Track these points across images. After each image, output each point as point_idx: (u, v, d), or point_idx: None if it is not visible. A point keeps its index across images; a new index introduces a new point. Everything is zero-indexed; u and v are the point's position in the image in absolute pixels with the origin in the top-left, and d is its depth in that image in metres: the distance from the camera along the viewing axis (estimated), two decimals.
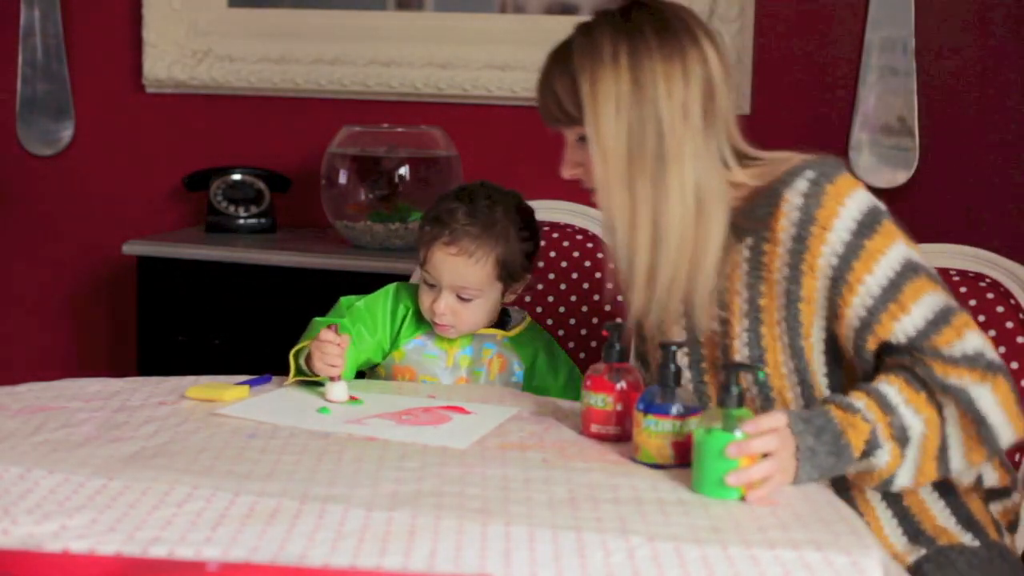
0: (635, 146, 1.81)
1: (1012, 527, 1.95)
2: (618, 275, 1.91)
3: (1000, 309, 2.12)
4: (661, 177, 1.81)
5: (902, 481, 1.76)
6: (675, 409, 1.70)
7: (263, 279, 3.12)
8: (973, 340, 1.77)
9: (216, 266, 3.15)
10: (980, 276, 2.14)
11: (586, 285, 2.53)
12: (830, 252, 1.79)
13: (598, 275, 2.53)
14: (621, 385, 1.81)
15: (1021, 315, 2.11)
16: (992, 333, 2.10)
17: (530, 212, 2.21)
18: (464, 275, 2.11)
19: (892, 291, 1.77)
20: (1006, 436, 1.77)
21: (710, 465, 1.60)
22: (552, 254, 2.55)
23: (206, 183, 3.39)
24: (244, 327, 3.14)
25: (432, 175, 3.17)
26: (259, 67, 3.44)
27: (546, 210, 2.59)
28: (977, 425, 1.76)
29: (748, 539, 1.46)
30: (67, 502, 1.51)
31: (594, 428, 1.83)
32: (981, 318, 2.11)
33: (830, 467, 1.71)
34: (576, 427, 1.87)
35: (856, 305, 1.78)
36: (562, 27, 3.16)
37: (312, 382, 2.04)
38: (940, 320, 1.77)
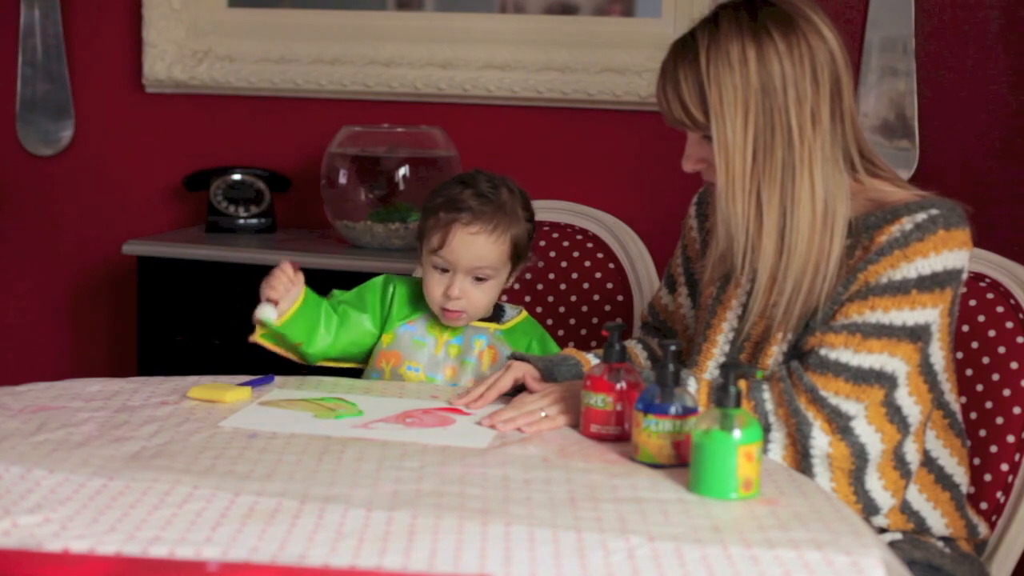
0: (763, 155, 1.81)
1: (981, 548, 1.98)
2: (711, 270, 1.95)
3: (1000, 309, 2.12)
4: (790, 185, 1.82)
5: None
6: (674, 409, 1.70)
7: (263, 279, 3.11)
8: (855, 408, 1.81)
9: (216, 266, 3.14)
10: (980, 276, 2.14)
11: (586, 285, 2.53)
12: (888, 276, 1.80)
13: (598, 275, 2.53)
14: (621, 385, 1.82)
15: (1021, 315, 2.11)
16: (992, 333, 2.10)
17: (525, 193, 2.23)
18: (485, 254, 2.12)
19: (875, 331, 1.80)
20: (825, 487, 1.82)
21: (709, 465, 1.60)
22: (552, 254, 2.55)
23: (206, 183, 3.39)
24: (244, 327, 3.13)
25: (432, 175, 3.17)
26: (259, 67, 3.44)
27: (546, 210, 2.59)
28: (800, 457, 1.81)
29: (748, 539, 1.46)
30: (67, 502, 1.52)
31: (594, 428, 1.83)
32: (981, 318, 2.11)
33: None
34: (576, 427, 1.87)
35: (850, 318, 1.81)
36: (562, 27, 3.15)
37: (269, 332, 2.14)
38: (860, 375, 1.80)
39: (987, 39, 3.03)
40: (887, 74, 3.07)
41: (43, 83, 3.58)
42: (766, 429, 1.83)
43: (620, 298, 2.52)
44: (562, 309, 2.53)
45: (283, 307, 2.12)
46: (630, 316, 2.51)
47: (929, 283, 1.80)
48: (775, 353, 1.89)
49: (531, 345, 2.21)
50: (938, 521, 1.91)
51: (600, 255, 2.55)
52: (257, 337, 2.16)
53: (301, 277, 2.15)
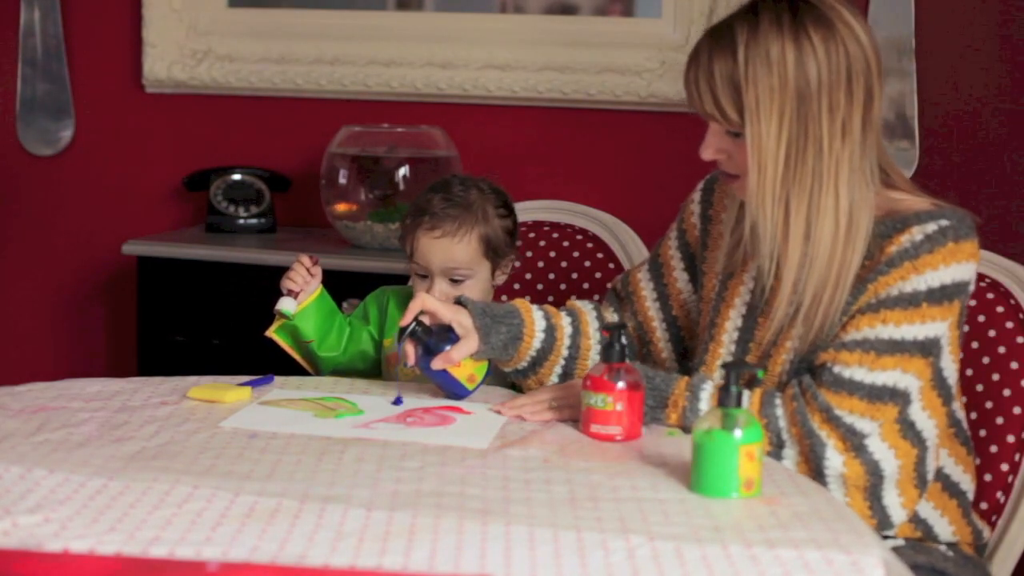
0: (794, 162, 1.81)
1: (983, 551, 1.97)
2: (724, 263, 1.97)
3: (1000, 309, 2.12)
4: (817, 194, 1.81)
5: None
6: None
7: (263, 279, 3.11)
8: (869, 426, 1.81)
9: (216, 266, 3.14)
10: (980, 276, 2.14)
11: (586, 285, 2.53)
12: (899, 288, 1.80)
13: (598, 275, 2.53)
14: (621, 385, 1.82)
15: (1021, 315, 2.11)
16: (992, 333, 2.10)
17: (504, 192, 2.25)
18: (452, 255, 2.15)
19: (888, 347, 1.80)
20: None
21: (711, 465, 1.60)
22: (552, 254, 2.55)
23: (206, 183, 3.39)
24: (244, 327, 3.13)
25: (432, 175, 3.17)
26: (259, 67, 3.44)
27: (546, 210, 2.59)
28: (813, 476, 1.81)
29: (748, 539, 1.46)
30: (67, 502, 1.52)
31: (594, 428, 1.83)
32: (981, 318, 2.11)
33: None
34: (576, 427, 1.87)
35: (861, 332, 1.80)
36: (562, 27, 3.15)
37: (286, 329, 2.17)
38: (874, 393, 1.80)
39: (987, 39, 3.02)
40: (887, 74, 3.06)
41: (43, 83, 3.58)
42: (778, 446, 1.82)
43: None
44: None
45: (300, 299, 2.16)
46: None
47: (938, 296, 1.79)
48: (784, 361, 1.89)
49: None
50: (945, 528, 1.91)
51: (600, 255, 2.55)
52: (272, 332, 2.19)
53: (319, 271, 2.19)
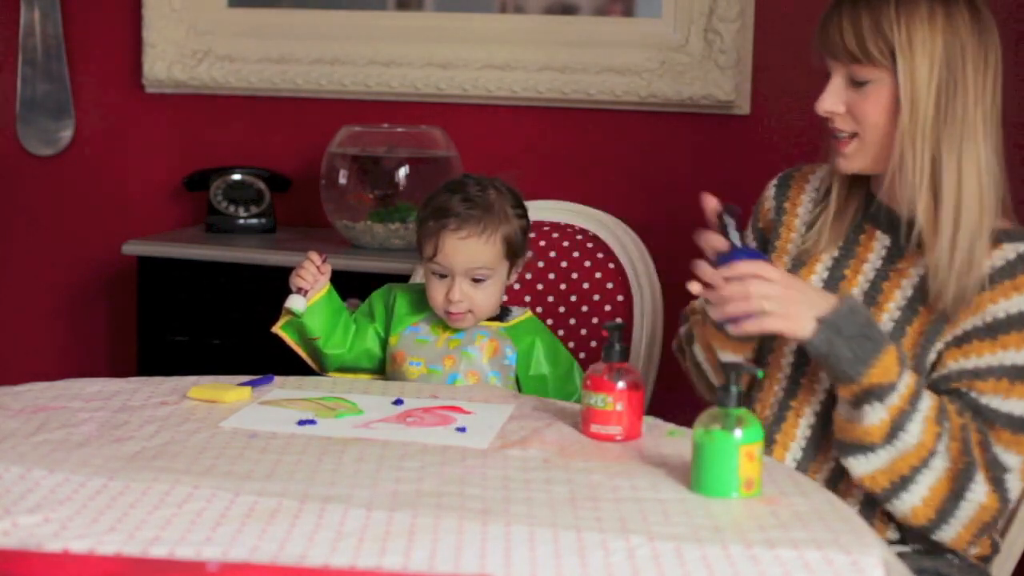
0: (944, 107, 1.82)
1: (986, 559, 1.97)
2: (828, 235, 1.95)
3: None
4: (964, 147, 1.81)
5: (860, 466, 1.80)
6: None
7: (263, 279, 3.11)
8: (1013, 460, 1.79)
9: (216, 266, 3.14)
10: None
11: (586, 285, 2.53)
12: (1004, 308, 1.80)
13: (598, 275, 2.53)
14: (621, 385, 1.82)
15: None
16: None
17: (517, 191, 2.26)
18: (477, 256, 2.16)
19: (1018, 374, 1.79)
20: (946, 534, 1.82)
21: (711, 465, 1.60)
22: (552, 254, 2.55)
23: (206, 183, 3.39)
24: (244, 327, 3.14)
25: (432, 175, 3.17)
26: (259, 67, 3.44)
27: (546, 210, 2.59)
28: (950, 496, 1.79)
29: (748, 539, 1.46)
30: (67, 502, 1.52)
31: (594, 428, 1.83)
32: None
33: (837, 358, 1.75)
34: (576, 427, 1.87)
35: (984, 359, 1.80)
36: (562, 27, 3.16)
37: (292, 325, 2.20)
38: (1015, 423, 1.79)
39: None
40: None
41: (43, 83, 3.58)
42: (931, 454, 1.79)
43: (620, 298, 2.52)
44: (562, 309, 2.53)
45: (308, 296, 2.19)
46: (630, 316, 2.51)
47: None
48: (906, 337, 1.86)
49: (535, 341, 2.22)
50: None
51: (600, 255, 2.55)
52: (279, 328, 2.22)
53: (328, 269, 2.21)
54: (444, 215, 2.17)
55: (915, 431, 1.77)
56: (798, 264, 1.99)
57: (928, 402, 1.79)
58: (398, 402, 1.98)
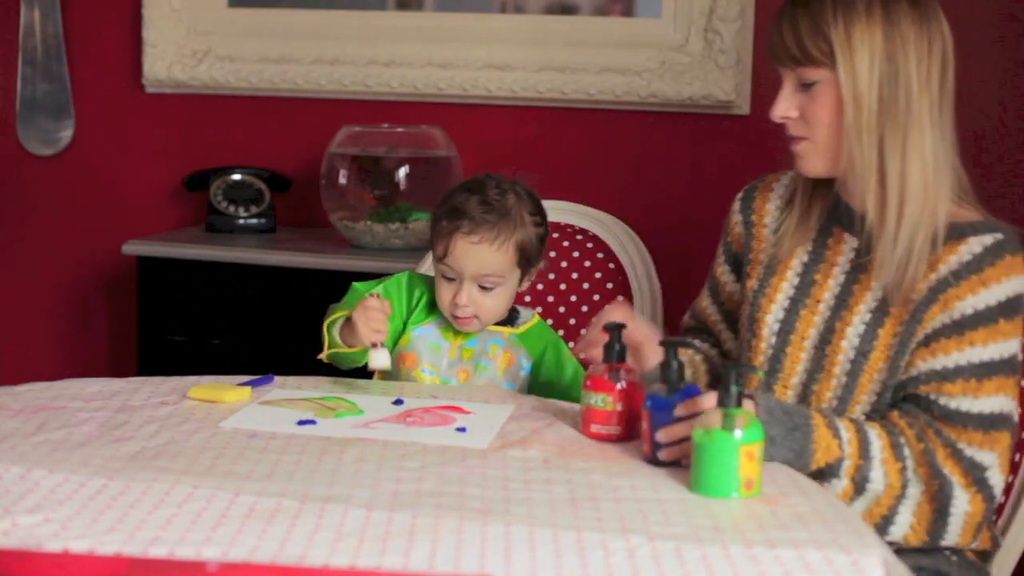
0: (887, 100, 1.83)
1: (986, 556, 1.97)
2: (790, 241, 1.96)
3: None
4: (915, 134, 1.83)
5: None
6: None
7: (263, 279, 3.12)
8: (989, 457, 1.80)
9: (216, 266, 3.15)
10: None
11: (586, 285, 2.53)
12: (972, 304, 1.81)
13: (598, 275, 2.53)
14: (621, 385, 1.82)
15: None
16: None
17: (537, 196, 2.21)
18: (488, 263, 2.10)
19: (984, 371, 1.80)
20: (951, 540, 1.83)
21: (711, 465, 1.60)
22: (552, 254, 2.55)
23: (206, 183, 3.39)
24: (244, 327, 3.14)
25: (432, 175, 3.17)
26: (259, 67, 3.44)
27: (546, 210, 2.59)
28: (935, 516, 1.81)
29: (748, 539, 1.46)
30: (67, 502, 1.51)
31: (594, 428, 1.83)
32: None
33: (784, 461, 1.76)
34: (576, 427, 1.87)
35: (951, 357, 1.81)
36: (562, 27, 3.15)
37: (346, 355, 2.07)
38: (985, 422, 1.80)
39: (986, 39, 3.02)
40: None
41: (43, 83, 3.58)
42: (904, 486, 1.81)
43: (620, 298, 2.52)
44: (562, 309, 2.53)
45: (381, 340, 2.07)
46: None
47: (1008, 311, 1.81)
48: (842, 361, 1.89)
49: (546, 351, 2.20)
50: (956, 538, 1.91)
51: (600, 255, 2.55)
52: (325, 355, 2.11)
53: (388, 302, 2.10)
54: (458, 216, 2.11)
55: (878, 477, 1.80)
56: (769, 272, 2.00)
57: (878, 443, 1.81)
58: (398, 402, 1.98)
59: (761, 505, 1.57)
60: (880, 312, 1.87)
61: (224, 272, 3.14)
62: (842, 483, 1.80)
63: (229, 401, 1.96)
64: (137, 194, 3.57)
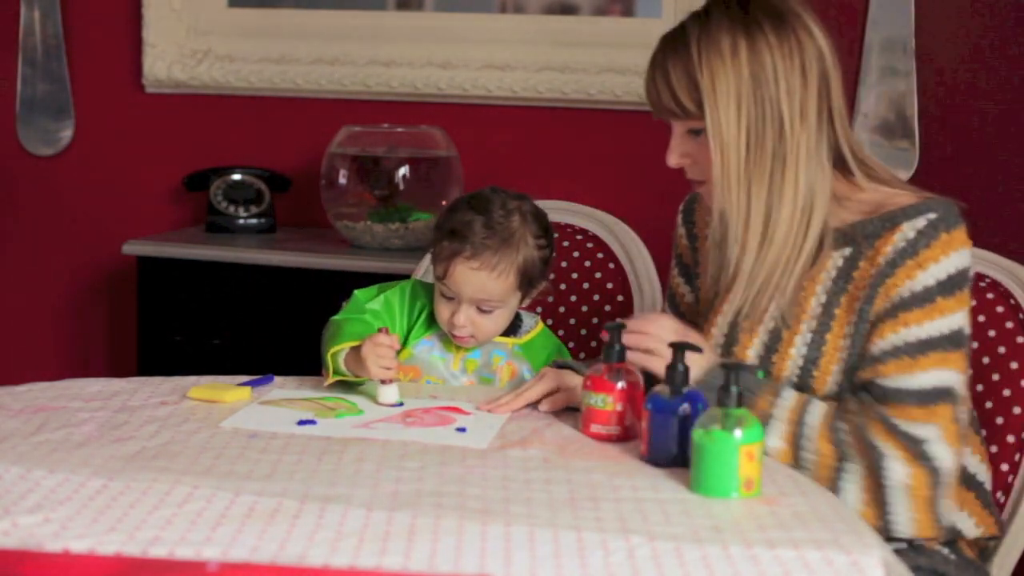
0: (755, 144, 1.82)
1: (988, 551, 1.96)
2: (709, 263, 1.96)
3: (1000, 309, 2.12)
4: (778, 177, 1.83)
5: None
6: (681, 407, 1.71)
7: (263, 279, 3.12)
8: (927, 430, 1.79)
9: (216, 266, 3.14)
10: (980, 276, 2.14)
11: (586, 285, 2.53)
12: (909, 288, 1.81)
13: (598, 275, 2.53)
14: (621, 385, 1.82)
15: (1021, 315, 2.11)
16: (992, 333, 2.10)
17: (544, 216, 2.17)
18: (487, 288, 2.08)
19: (919, 348, 1.80)
20: (903, 526, 1.81)
21: (711, 465, 1.60)
22: (552, 254, 2.55)
23: (206, 183, 3.39)
24: (244, 327, 3.14)
25: (432, 175, 3.18)
26: (259, 67, 3.44)
27: (546, 210, 2.58)
28: (876, 493, 1.80)
29: (748, 539, 1.46)
30: (67, 502, 1.52)
31: (594, 428, 1.83)
32: (981, 318, 2.11)
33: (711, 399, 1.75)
34: (576, 427, 1.87)
35: (887, 340, 1.81)
36: (562, 27, 3.15)
37: (352, 382, 2.04)
38: (924, 396, 1.80)
39: (986, 39, 3.02)
40: (887, 74, 3.07)
41: (43, 83, 3.58)
42: (841, 459, 1.81)
43: (620, 298, 2.51)
44: (562, 309, 2.53)
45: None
46: (630, 316, 2.50)
47: (948, 287, 1.81)
48: (751, 356, 1.90)
49: (549, 359, 2.19)
50: (967, 523, 1.90)
51: (600, 255, 2.55)
52: (331, 379, 2.05)
53: (396, 338, 2.05)
54: (460, 240, 2.06)
55: (810, 446, 1.80)
56: (721, 291, 1.99)
57: (818, 412, 1.81)
58: (398, 402, 1.98)
59: (761, 505, 1.57)
60: (826, 317, 1.88)
61: (224, 272, 3.14)
62: (775, 441, 1.81)
63: (229, 401, 1.96)
64: (137, 194, 3.57)
